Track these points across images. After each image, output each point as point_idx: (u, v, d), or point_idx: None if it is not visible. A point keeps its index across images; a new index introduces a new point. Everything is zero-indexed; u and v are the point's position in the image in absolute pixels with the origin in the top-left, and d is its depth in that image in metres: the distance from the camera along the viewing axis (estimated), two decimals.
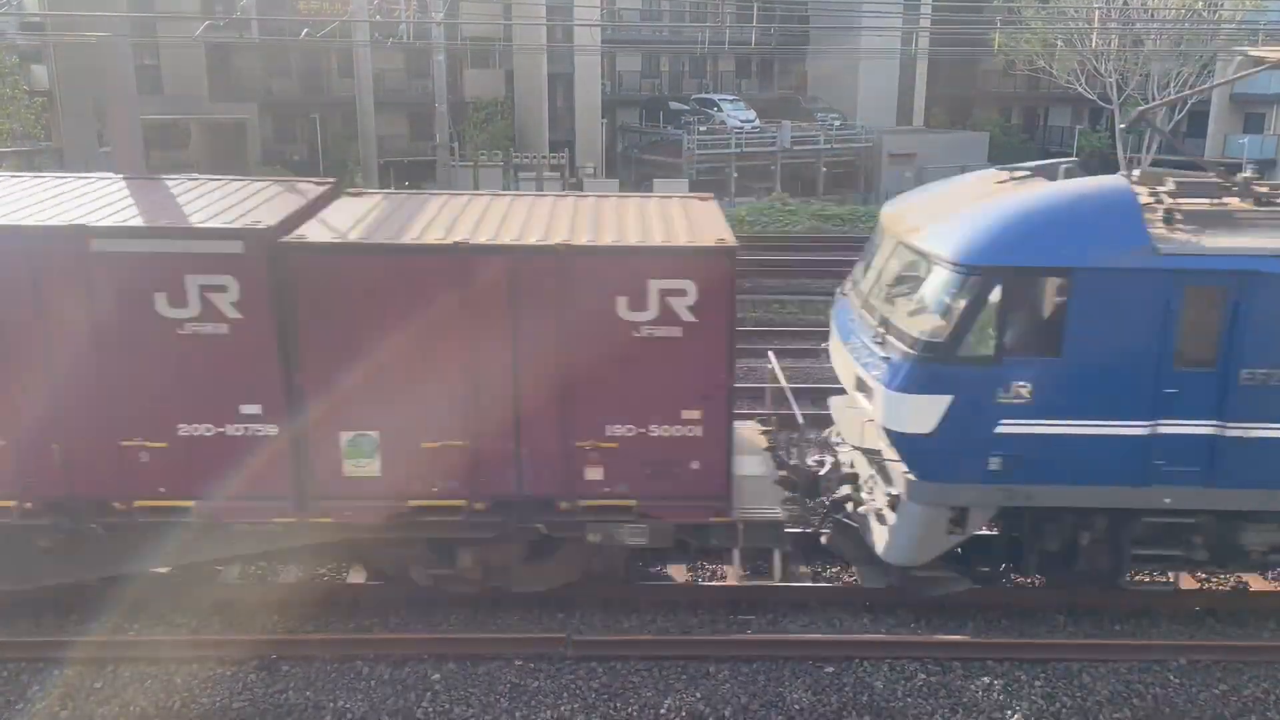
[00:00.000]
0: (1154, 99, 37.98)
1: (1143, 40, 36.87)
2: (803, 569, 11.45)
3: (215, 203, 10.22)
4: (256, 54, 44.87)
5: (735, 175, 45.23)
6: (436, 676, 9.61)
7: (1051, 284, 9.42)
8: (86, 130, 35.68)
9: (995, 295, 9.21)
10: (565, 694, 9.39)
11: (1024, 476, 9.59)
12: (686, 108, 50.60)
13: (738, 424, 10.46)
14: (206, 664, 9.70)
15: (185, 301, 9.16)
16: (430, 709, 9.19)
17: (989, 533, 10.58)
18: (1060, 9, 38.02)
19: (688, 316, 9.31)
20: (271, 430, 9.47)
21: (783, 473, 11.07)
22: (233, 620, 10.47)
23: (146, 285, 9.15)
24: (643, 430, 9.60)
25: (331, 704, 9.24)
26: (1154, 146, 39.08)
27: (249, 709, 9.16)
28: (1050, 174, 10.53)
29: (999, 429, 9.43)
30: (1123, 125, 30.14)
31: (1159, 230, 9.21)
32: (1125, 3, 37.18)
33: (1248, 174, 10.28)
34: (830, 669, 9.77)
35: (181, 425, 9.46)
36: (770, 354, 12.42)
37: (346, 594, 10.90)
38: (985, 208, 9.72)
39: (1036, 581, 11.03)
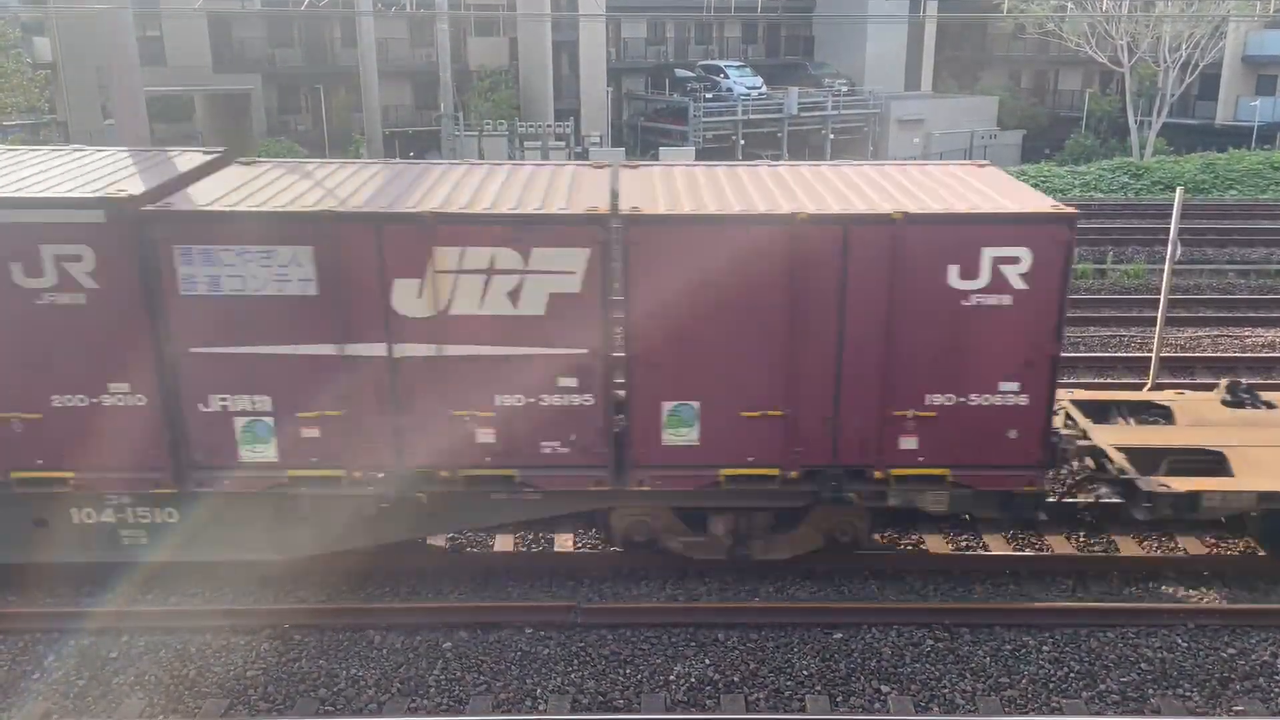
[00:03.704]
0: (1165, 62, 37.59)
1: (1154, 2, 36.40)
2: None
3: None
4: (259, 24, 44.59)
5: (742, 142, 44.98)
6: (448, 645, 9.70)
7: None
8: (90, 103, 35.61)
9: None
10: (575, 661, 9.47)
11: None
12: (692, 75, 50.24)
13: None
14: (220, 633, 9.80)
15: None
16: (441, 677, 9.27)
17: None
18: None
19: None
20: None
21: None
22: (246, 589, 10.57)
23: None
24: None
25: (344, 672, 9.32)
26: (1164, 110, 38.70)
27: (262, 677, 9.25)
28: None
29: None
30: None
31: None
32: None
33: None
34: (838, 635, 9.82)
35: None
36: None
37: (358, 563, 10.96)
38: None
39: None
